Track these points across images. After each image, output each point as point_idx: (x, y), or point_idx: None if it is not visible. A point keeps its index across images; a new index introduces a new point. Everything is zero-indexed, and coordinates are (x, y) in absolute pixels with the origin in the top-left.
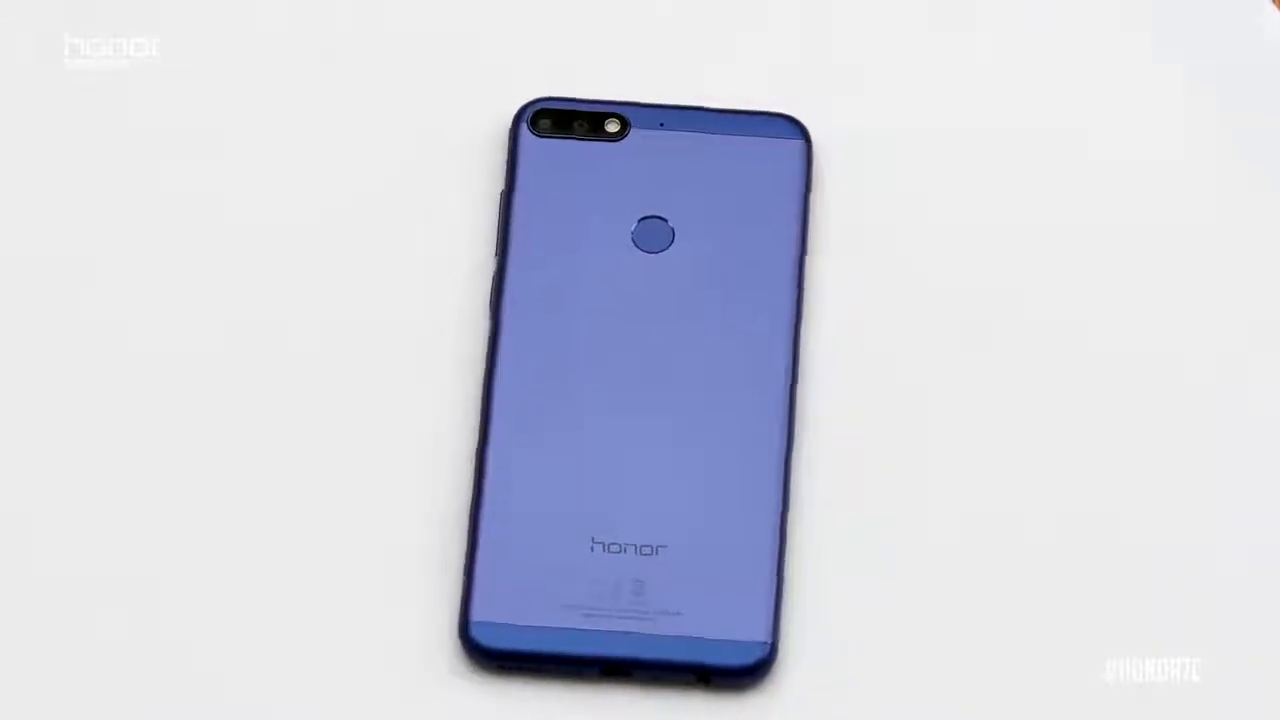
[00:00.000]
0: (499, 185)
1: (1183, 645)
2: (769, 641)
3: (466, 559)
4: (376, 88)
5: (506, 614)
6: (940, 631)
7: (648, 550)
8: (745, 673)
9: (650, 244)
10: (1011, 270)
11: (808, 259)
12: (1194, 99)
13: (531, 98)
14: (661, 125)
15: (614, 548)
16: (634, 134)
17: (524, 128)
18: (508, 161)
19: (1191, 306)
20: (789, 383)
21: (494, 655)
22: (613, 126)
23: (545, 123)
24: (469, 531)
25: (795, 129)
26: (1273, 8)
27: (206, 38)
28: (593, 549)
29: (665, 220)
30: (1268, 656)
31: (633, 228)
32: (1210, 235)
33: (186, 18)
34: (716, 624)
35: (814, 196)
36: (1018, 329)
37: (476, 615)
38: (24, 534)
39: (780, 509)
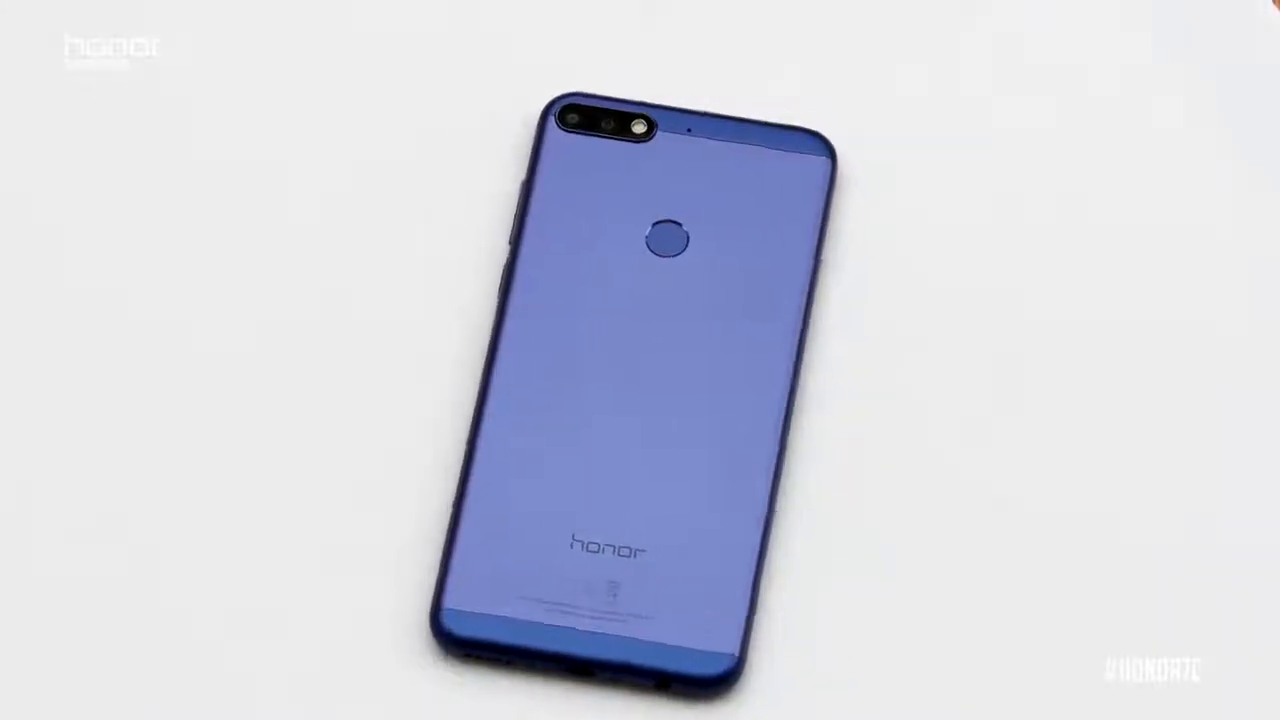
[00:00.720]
0: (499, 186)
1: (1183, 645)
2: (736, 654)
3: (445, 546)
4: (376, 89)
5: (478, 603)
6: (939, 632)
7: (626, 552)
8: (710, 683)
9: (663, 248)
10: (1009, 271)
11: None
12: (1194, 99)
13: (531, 99)
14: (688, 131)
15: (593, 547)
16: (660, 137)
17: (551, 121)
18: (531, 153)
19: (1191, 306)
20: (786, 396)
21: (461, 643)
22: (639, 128)
23: (573, 118)
24: (451, 519)
25: (822, 146)
26: (1273, 8)
27: (206, 38)
28: (572, 546)
29: (680, 225)
30: (1268, 656)
31: (648, 230)
32: (1210, 235)
33: (186, 18)
34: (686, 632)
35: None
36: (1017, 329)
37: (448, 603)
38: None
39: (764, 521)
